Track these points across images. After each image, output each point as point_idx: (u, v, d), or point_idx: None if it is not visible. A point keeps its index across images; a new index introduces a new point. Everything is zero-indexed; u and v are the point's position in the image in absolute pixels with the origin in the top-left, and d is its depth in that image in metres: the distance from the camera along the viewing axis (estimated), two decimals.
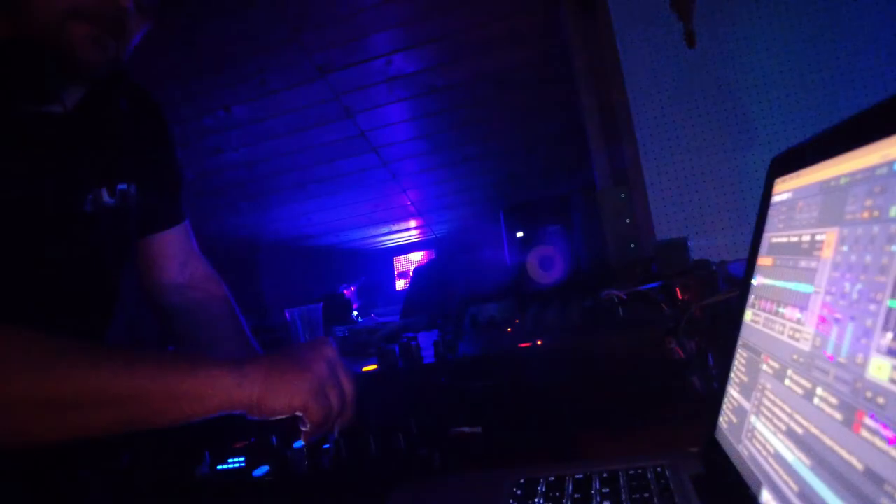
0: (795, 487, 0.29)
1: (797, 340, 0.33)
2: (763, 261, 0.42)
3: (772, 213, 0.42)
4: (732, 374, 0.44)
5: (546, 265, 1.50)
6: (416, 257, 5.06)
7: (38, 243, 0.71)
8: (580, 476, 0.46)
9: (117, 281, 0.86)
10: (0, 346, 0.52)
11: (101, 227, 0.79)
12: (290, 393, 0.57)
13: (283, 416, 0.59)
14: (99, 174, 0.79)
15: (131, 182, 0.84)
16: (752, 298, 0.43)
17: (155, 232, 0.95)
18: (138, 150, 0.87)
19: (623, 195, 1.70)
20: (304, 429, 0.60)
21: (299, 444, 0.63)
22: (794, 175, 0.39)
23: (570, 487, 0.45)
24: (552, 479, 0.47)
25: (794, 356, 0.33)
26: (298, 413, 0.58)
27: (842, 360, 0.27)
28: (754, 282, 0.43)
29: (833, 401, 0.27)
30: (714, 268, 1.12)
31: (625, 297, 1.04)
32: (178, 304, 0.97)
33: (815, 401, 0.29)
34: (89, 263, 0.79)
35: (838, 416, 0.26)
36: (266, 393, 0.57)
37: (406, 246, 5.01)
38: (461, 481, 0.54)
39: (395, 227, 4.41)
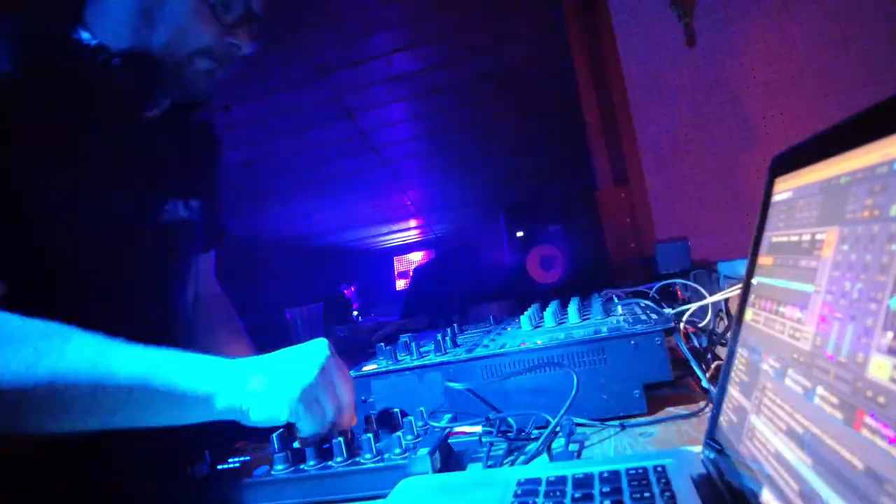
0: (796, 487, 0.29)
1: (797, 340, 0.33)
2: (763, 260, 0.42)
3: (772, 212, 0.42)
4: (732, 374, 0.44)
5: (546, 265, 1.50)
6: (416, 257, 5.06)
7: (115, 249, 0.73)
8: (581, 476, 0.46)
9: (182, 295, 0.86)
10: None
11: (172, 239, 0.81)
12: (280, 404, 0.57)
13: (276, 425, 0.58)
14: (176, 185, 0.82)
15: (199, 198, 0.87)
16: (752, 298, 0.43)
17: (200, 252, 0.96)
18: (204, 170, 0.92)
19: (623, 195, 1.70)
20: (299, 435, 0.60)
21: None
22: (794, 174, 0.39)
23: (571, 487, 0.44)
24: (552, 478, 0.47)
25: (795, 355, 0.33)
26: (289, 422, 0.58)
27: (842, 359, 0.27)
28: (754, 281, 0.43)
29: (833, 400, 0.27)
30: (714, 267, 1.12)
31: (625, 297, 1.04)
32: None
33: (816, 400, 0.29)
34: (158, 273, 0.80)
35: (839, 415, 0.26)
36: (254, 403, 0.57)
37: (406, 246, 5.01)
38: (461, 481, 0.54)
39: (395, 227, 4.41)
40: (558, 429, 0.63)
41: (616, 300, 1.00)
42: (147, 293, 0.78)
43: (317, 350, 0.62)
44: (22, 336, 0.53)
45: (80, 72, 0.68)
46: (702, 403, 0.68)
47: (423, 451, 0.57)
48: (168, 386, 0.55)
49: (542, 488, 0.45)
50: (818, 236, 0.33)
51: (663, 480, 0.43)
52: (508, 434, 0.65)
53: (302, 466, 0.59)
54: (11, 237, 0.62)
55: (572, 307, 0.90)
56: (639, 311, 0.85)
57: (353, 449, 0.60)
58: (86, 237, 0.69)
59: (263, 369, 0.59)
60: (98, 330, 0.58)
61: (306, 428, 0.59)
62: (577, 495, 0.43)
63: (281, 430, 0.63)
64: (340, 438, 0.59)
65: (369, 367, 0.78)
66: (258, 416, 0.57)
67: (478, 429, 0.66)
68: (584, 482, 0.45)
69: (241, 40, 0.74)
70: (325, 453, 0.60)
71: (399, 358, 0.80)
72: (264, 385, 0.57)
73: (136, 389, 0.54)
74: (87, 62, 0.68)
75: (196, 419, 0.58)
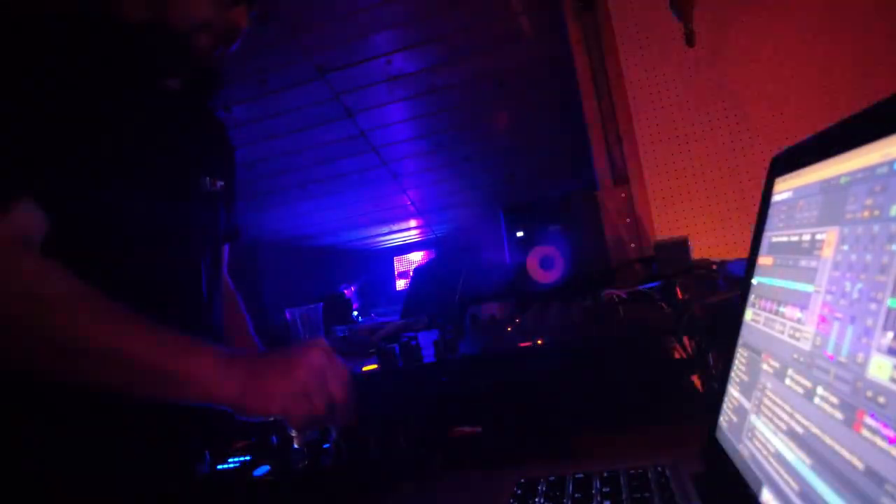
0: (796, 486, 0.29)
1: (797, 340, 0.33)
2: (763, 260, 0.42)
3: (772, 212, 0.42)
4: (733, 374, 0.44)
5: (546, 265, 1.50)
6: (416, 257, 5.06)
7: (160, 212, 0.77)
8: (580, 476, 0.46)
9: (218, 267, 0.91)
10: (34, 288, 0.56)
11: (210, 208, 0.86)
12: (267, 397, 0.58)
13: (266, 419, 0.59)
14: (204, 161, 0.87)
15: (223, 180, 0.91)
16: (752, 298, 0.43)
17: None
18: (223, 159, 0.96)
19: (623, 195, 1.70)
20: (290, 433, 0.61)
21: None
22: (794, 174, 0.39)
23: (571, 487, 0.44)
24: (552, 479, 0.47)
25: (795, 355, 0.33)
26: (276, 417, 0.59)
27: (842, 359, 0.27)
28: (754, 281, 0.43)
29: (833, 400, 0.27)
30: (714, 267, 1.12)
31: (625, 297, 1.04)
32: None
33: (816, 400, 0.29)
34: (199, 239, 0.85)
35: (839, 415, 0.26)
36: (245, 395, 0.58)
37: (406, 246, 5.01)
38: (461, 481, 0.54)
39: (395, 227, 4.40)
40: (558, 429, 0.63)
41: (616, 300, 1.00)
42: (188, 258, 0.82)
43: (310, 350, 0.62)
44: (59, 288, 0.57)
45: (108, 40, 0.73)
46: (702, 404, 0.67)
47: (422, 451, 0.57)
48: (159, 360, 0.57)
49: (542, 488, 0.45)
50: (818, 236, 0.33)
51: (663, 480, 0.43)
52: (509, 434, 0.65)
53: (300, 467, 0.59)
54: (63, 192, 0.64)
55: (572, 307, 0.90)
56: (639, 311, 0.85)
57: (353, 449, 0.60)
58: (133, 200, 0.72)
59: (255, 366, 0.60)
60: (139, 290, 0.61)
61: (295, 423, 0.59)
62: (576, 496, 0.43)
63: (281, 430, 0.63)
64: (340, 438, 0.59)
65: (369, 367, 0.78)
66: (247, 409, 0.58)
67: (478, 429, 0.66)
68: (583, 483, 0.45)
69: (239, 17, 0.79)
70: (324, 453, 0.60)
71: (399, 358, 0.80)
72: (253, 380, 0.58)
73: (135, 363, 0.57)
74: (112, 31, 0.73)
75: (182, 401, 0.59)
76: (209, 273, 0.86)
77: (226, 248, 1.05)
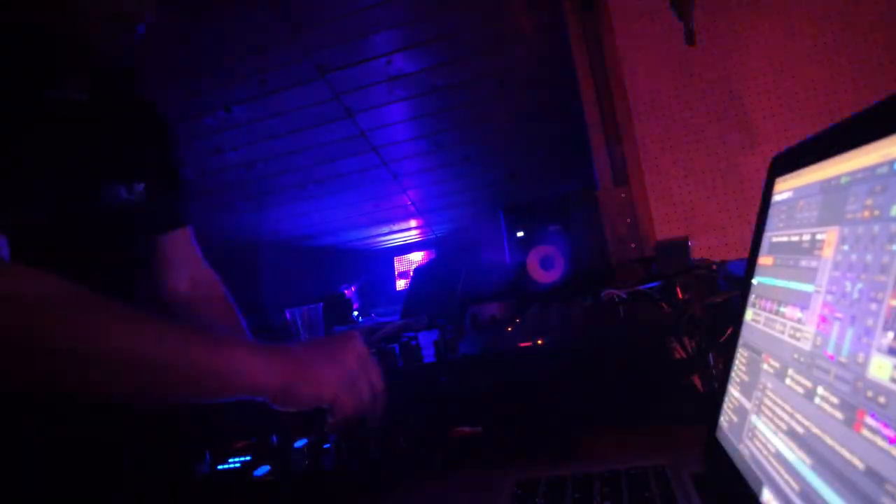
0: (796, 487, 0.29)
1: (798, 340, 0.33)
2: (763, 260, 0.42)
3: (772, 212, 0.42)
4: (733, 374, 0.44)
5: (546, 265, 1.50)
6: (417, 257, 5.06)
7: (59, 233, 0.72)
8: (580, 476, 0.46)
9: (129, 281, 0.86)
10: (44, 293, 0.51)
11: (116, 223, 0.80)
12: (319, 383, 0.56)
13: (309, 407, 0.58)
14: (115, 168, 0.81)
15: (141, 181, 0.85)
16: (752, 298, 0.43)
17: (159, 233, 0.96)
18: (149, 152, 0.90)
19: (623, 195, 1.70)
20: (330, 420, 0.59)
21: (300, 443, 0.63)
22: (794, 174, 0.39)
23: (571, 488, 0.44)
24: (552, 479, 0.47)
25: (795, 355, 0.33)
26: (325, 405, 0.58)
27: (843, 359, 0.27)
28: (755, 281, 0.43)
29: (834, 400, 0.27)
30: (714, 267, 1.12)
31: (625, 297, 1.04)
32: (179, 305, 0.98)
33: (816, 400, 0.29)
34: (104, 259, 0.79)
35: (839, 415, 0.26)
36: (295, 382, 0.56)
37: (406, 246, 5.01)
38: (461, 481, 0.54)
39: (395, 227, 4.40)
40: (558, 429, 0.63)
41: (616, 300, 1.00)
42: (93, 279, 0.78)
43: (351, 340, 0.62)
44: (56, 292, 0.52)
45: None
46: (702, 404, 0.67)
47: (422, 451, 0.57)
48: (196, 356, 0.53)
49: (542, 489, 0.45)
50: (818, 236, 0.33)
51: (663, 481, 0.43)
52: (509, 434, 0.65)
53: (301, 467, 0.59)
54: None
55: (572, 307, 0.90)
56: (639, 311, 0.85)
57: (353, 449, 0.60)
58: (29, 224, 0.67)
59: (301, 352, 0.59)
60: None
61: (346, 410, 0.58)
62: (576, 496, 0.43)
63: (281, 429, 0.63)
64: (340, 439, 0.59)
65: None
66: (294, 397, 0.56)
67: (478, 429, 0.66)
68: (583, 483, 0.45)
69: (146, 7, 0.73)
70: (324, 453, 0.60)
71: (399, 358, 0.80)
72: (303, 366, 0.57)
73: (161, 359, 0.52)
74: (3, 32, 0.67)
75: (224, 397, 0.56)
76: (126, 283, 0.83)
77: (190, 231, 1.01)
